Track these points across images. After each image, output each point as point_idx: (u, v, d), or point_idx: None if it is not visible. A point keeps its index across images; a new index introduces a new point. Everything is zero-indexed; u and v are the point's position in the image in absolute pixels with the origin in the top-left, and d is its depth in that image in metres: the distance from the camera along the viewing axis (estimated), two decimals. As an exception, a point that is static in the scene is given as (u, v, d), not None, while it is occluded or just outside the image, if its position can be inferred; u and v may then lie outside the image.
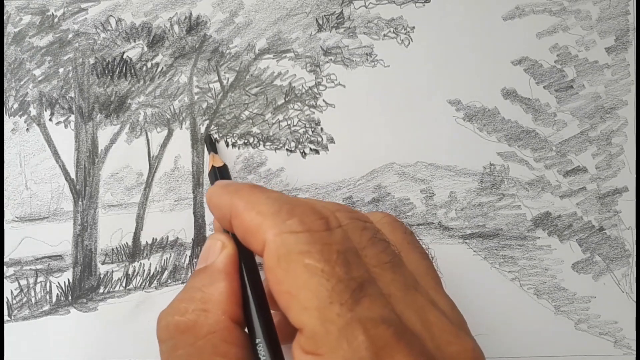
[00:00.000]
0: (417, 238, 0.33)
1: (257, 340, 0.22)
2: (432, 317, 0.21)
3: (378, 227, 0.25)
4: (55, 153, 0.35)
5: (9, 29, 0.35)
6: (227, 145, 0.35)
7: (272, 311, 0.24)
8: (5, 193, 0.35)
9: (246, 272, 0.24)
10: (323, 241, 0.21)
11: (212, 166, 0.33)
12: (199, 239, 0.35)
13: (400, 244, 0.24)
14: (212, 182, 0.33)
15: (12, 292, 0.34)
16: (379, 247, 0.22)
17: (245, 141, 0.35)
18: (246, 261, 0.25)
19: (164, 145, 0.35)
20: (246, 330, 0.23)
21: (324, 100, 0.36)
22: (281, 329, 0.24)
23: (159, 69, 0.35)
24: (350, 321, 0.19)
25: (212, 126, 0.35)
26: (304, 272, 0.20)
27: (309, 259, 0.20)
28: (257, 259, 0.25)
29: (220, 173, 0.33)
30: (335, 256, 0.20)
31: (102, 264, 0.35)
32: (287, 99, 0.36)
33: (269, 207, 0.22)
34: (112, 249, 0.35)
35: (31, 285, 0.35)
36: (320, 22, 0.36)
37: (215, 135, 0.35)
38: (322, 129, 0.35)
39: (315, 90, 0.36)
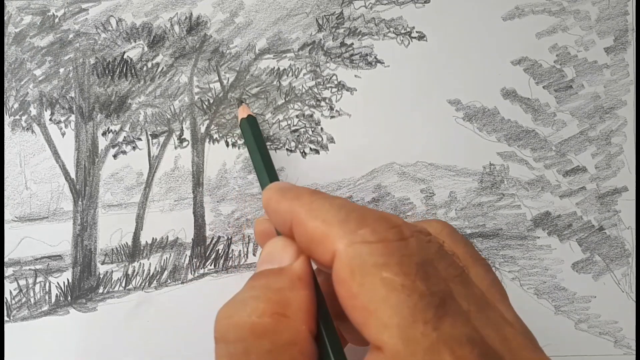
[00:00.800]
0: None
1: (332, 357, 0.21)
2: (507, 334, 0.20)
3: (440, 238, 0.23)
4: (55, 153, 0.35)
5: (10, 29, 0.35)
6: (227, 145, 0.35)
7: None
8: (5, 193, 0.35)
9: (315, 282, 0.23)
10: (400, 252, 0.19)
11: (248, 115, 0.32)
12: (199, 238, 0.35)
13: (463, 257, 0.23)
14: (243, 134, 0.33)
15: (11, 292, 0.34)
16: (447, 261, 0.21)
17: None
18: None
19: (164, 145, 0.35)
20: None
21: (325, 102, 0.36)
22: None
23: (160, 69, 0.35)
24: (436, 342, 0.18)
25: (212, 126, 0.35)
26: (381, 286, 0.18)
27: (387, 272, 0.19)
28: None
29: (251, 124, 0.32)
30: (415, 269, 0.19)
31: (102, 264, 0.35)
32: (287, 99, 0.36)
33: (335, 214, 0.21)
34: (112, 249, 0.35)
35: (30, 286, 0.34)
36: (321, 22, 0.36)
37: (216, 135, 0.35)
38: (322, 129, 0.36)
39: (315, 90, 0.36)
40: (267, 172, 0.30)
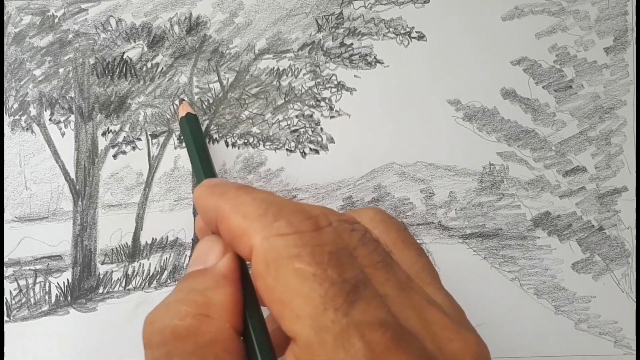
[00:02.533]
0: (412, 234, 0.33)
1: (257, 352, 0.21)
2: (430, 316, 0.20)
3: (372, 225, 0.24)
4: (55, 153, 0.35)
5: (10, 29, 0.35)
6: (227, 145, 0.35)
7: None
8: (5, 193, 0.35)
9: (245, 278, 0.23)
10: (314, 242, 0.19)
11: (187, 113, 0.33)
12: (199, 239, 0.35)
13: (394, 242, 0.24)
14: (182, 133, 0.33)
15: (11, 292, 0.34)
16: (369, 247, 0.21)
17: (245, 141, 0.35)
18: (243, 268, 0.23)
19: (164, 145, 0.35)
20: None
21: (325, 102, 0.36)
22: (275, 338, 0.23)
23: (159, 69, 0.35)
24: (346, 327, 0.18)
25: (212, 126, 0.35)
26: (294, 277, 0.19)
27: (300, 262, 0.19)
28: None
29: (190, 122, 0.32)
30: (327, 257, 0.19)
31: (102, 264, 0.35)
32: (286, 99, 0.36)
33: (255, 209, 0.21)
34: (112, 249, 0.35)
35: (30, 286, 0.34)
36: (320, 22, 0.36)
37: (216, 135, 0.35)
38: (322, 129, 0.36)
39: (315, 90, 0.36)
40: (202, 171, 0.31)
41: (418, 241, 0.35)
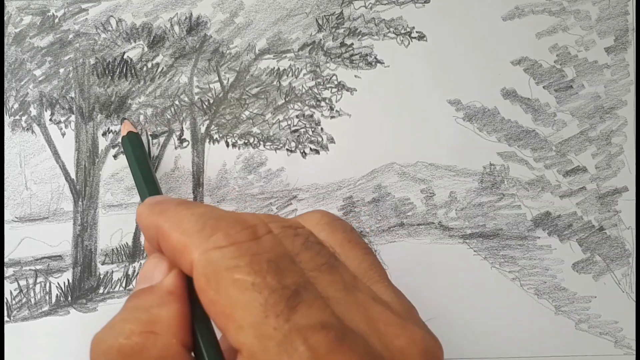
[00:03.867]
0: (359, 233, 0.32)
1: None
2: (375, 313, 0.20)
3: (318, 228, 0.24)
4: (56, 153, 0.35)
5: (10, 30, 0.35)
6: (227, 145, 0.35)
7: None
8: (5, 193, 0.35)
9: (193, 294, 0.23)
10: (251, 252, 0.19)
11: (128, 132, 0.33)
12: (199, 239, 0.35)
13: (341, 243, 0.24)
14: (124, 151, 0.34)
15: (11, 292, 0.34)
16: (313, 251, 0.21)
17: (245, 141, 0.35)
18: (191, 283, 0.23)
19: (164, 146, 0.35)
20: (192, 355, 0.22)
21: (325, 102, 0.36)
22: (227, 352, 0.23)
23: (160, 69, 0.35)
24: (289, 333, 0.18)
25: (213, 126, 0.35)
26: (234, 288, 0.18)
27: (238, 273, 0.19)
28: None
29: (132, 141, 0.33)
30: (266, 265, 0.19)
31: (102, 265, 0.35)
32: (287, 99, 0.36)
33: (194, 224, 0.20)
34: (112, 249, 0.35)
35: (30, 286, 0.34)
36: (320, 22, 0.36)
37: (216, 135, 0.35)
38: (322, 129, 0.36)
39: (315, 90, 0.36)
40: (145, 188, 0.31)
41: (417, 241, 0.35)
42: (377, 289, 0.22)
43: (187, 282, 0.22)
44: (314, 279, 0.20)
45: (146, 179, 0.31)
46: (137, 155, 0.33)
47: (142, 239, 0.28)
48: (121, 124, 0.35)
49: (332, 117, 0.36)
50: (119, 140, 0.35)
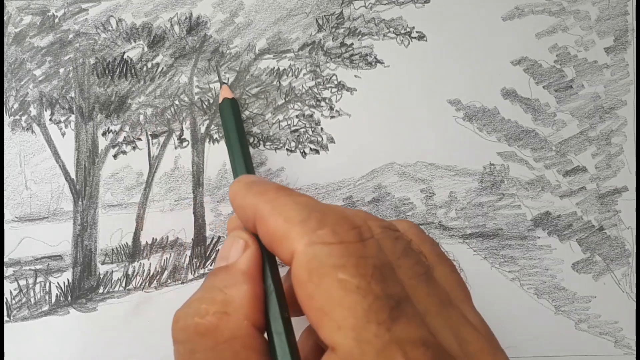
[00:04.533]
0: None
1: (277, 350, 0.21)
2: (467, 335, 0.20)
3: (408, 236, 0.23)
4: (55, 153, 0.35)
5: (10, 30, 0.35)
6: (227, 145, 0.35)
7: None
8: (5, 193, 0.35)
9: (270, 275, 0.23)
10: (358, 254, 0.19)
11: (224, 98, 0.32)
12: (199, 239, 0.35)
13: (429, 256, 0.23)
14: (222, 118, 0.32)
15: (11, 292, 0.34)
16: (413, 259, 0.21)
17: (246, 141, 0.35)
18: (269, 264, 0.23)
19: (164, 145, 0.35)
20: (265, 336, 0.22)
21: (325, 102, 0.36)
22: (302, 341, 0.23)
23: (159, 69, 0.35)
24: (389, 342, 0.18)
25: (213, 126, 0.35)
26: (338, 288, 0.18)
27: (344, 273, 0.19)
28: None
29: (233, 106, 0.31)
30: (372, 271, 0.19)
31: (102, 264, 0.35)
32: (287, 99, 0.36)
33: (298, 213, 0.21)
34: (112, 249, 0.35)
35: (30, 286, 0.34)
36: (320, 22, 0.36)
37: (216, 135, 0.35)
38: (322, 129, 0.36)
39: (315, 90, 0.36)
40: (242, 162, 0.30)
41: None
42: (463, 309, 0.22)
43: (262, 263, 0.23)
44: (412, 288, 0.20)
45: (244, 152, 0.30)
46: (233, 125, 0.31)
47: (229, 221, 0.27)
48: (220, 87, 0.34)
49: (332, 117, 0.36)
50: (215, 102, 0.32)
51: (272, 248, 0.22)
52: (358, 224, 0.21)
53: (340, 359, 0.18)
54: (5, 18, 0.35)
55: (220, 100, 0.33)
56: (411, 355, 0.18)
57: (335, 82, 0.36)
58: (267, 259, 0.23)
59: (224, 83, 0.34)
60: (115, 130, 0.35)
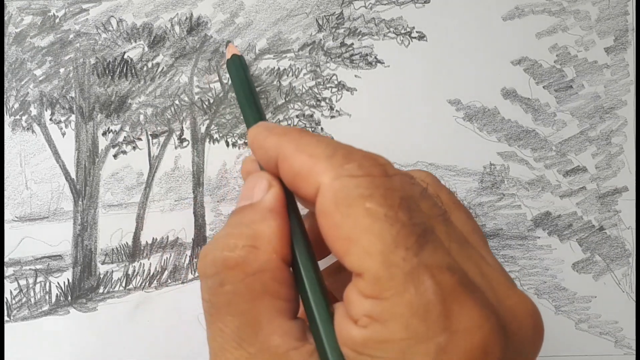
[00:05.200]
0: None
1: (306, 282, 0.22)
2: (488, 271, 0.21)
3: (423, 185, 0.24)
4: (56, 153, 0.35)
5: (10, 30, 0.35)
6: (227, 145, 0.35)
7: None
8: (5, 193, 0.35)
9: (293, 213, 0.24)
10: (385, 186, 0.20)
11: (232, 55, 0.32)
12: (199, 238, 0.35)
13: (446, 202, 0.24)
14: (229, 74, 0.33)
15: (11, 292, 0.34)
16: (430, 201, 0.21)
17: (246, 141, 0.35)
18: (290, 203, 0.24)
19: (164, 145, 0.35)
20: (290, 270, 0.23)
21: (325, 102, 0.36)
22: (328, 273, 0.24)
23: (160, 69, 0.35)
24: (417, 266, 0.18)
25: (213, 126, 0.35)
26: (365, 216, 0.19)
27: (371, 202, 0.19)
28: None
29: (236, 64, 0.32)
30: (398, 201, 0.20)
31: (102, 264, 0.35)
32: (287, 99, 0.36)
33: (323, 150, 0.21)
34: (112, 249, 0.35)
35: (30, 286, 0.34)
36: (321, 22, 0.36)
37: (216, 135, 0.35)
38: (322, 128, 0.36)
39: (315, 90, 0.36)
40: (253, 111, 0.30)
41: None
42: (481, 252, 0.22)
43: (287, 200, 0.23)
44: (434, 225, 0.21)
45: (256, 102, 0.30)
46: (242, 78, 0.32)
47: (243, 163, 0.27)
48: (226, 47, 0.34)
49: (332, 117, 0.36)
50: (223, 64, 0.34)
51: (295, 185, 0.22)
52: (382, 161, 0.21)
53: (368, 283, 0.19)
54: (5, 18, 0.35)
55: (228, 57, 0.33)
56: (439, 278, 0.18)
57: (336, 82, 0.36)
58: (289, 199, 0.24)
59: (229, 42, 0.35)
60: (115, 130, 0.35)
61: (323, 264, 0.25)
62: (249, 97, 0.31)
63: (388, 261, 0.18)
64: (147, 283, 0.35)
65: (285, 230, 0.23)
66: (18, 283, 0.34)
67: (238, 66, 0.32)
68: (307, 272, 0.22)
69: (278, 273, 0.22)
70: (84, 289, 0.35)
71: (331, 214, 0.20)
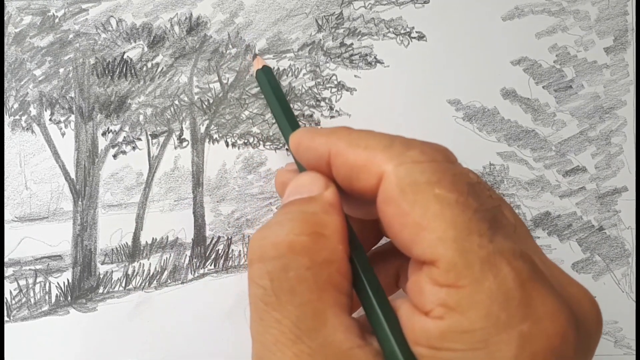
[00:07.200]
0: None
1: (364, 279, 0.21)
2: (546, 260, 0.21)
3: None
4: (55, 153, 0.35)
5: (10, 30, 0.35)
6: (227, 145, 0.35)
7: None
8: (5, 193, 0.35)
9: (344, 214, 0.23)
10: (451, 172, 0.20)
11: (263, 66, 0.32)
12: (199, 239, 0.35)
13: (494, 196, 0.23)
14: (260, 86, 0.33)
15: (11, 292, 0.34)
16: (488, 191, 0.21)
17: (245, 141, 0.35)
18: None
19: (164, 145, 0.35)
20: None
21: (325, 102, 0.36)
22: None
23: (159, 69, 0.35)
24: (492, 253, 0.18)
25: (212, 126, 0.35)
26: (435, 202, 0.19)
27: (440, 189, 0.19)
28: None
29: (267, 74, 0.32)
30: (467, 188, 0.19)
31: (102, 264, 0.35)
32: (287, 99, 0.36)
33: (379, 141, 0.21)
34: (112, 249, 0.35)
35: (30, 286, 0.34)
36: (320, 22, 0.36)
37: (216, 135, 0.35)
38: (321, 128, 0.36)
39: (315, 90, 0.36)
40: (290, 119, 0.30)
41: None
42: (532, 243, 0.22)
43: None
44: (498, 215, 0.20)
45: (288, 111, 0.30)
46: (274, 89, 0.32)
47: (277, 176, 0.28)
48: (253, 60, 0.34)
49: (332, 117, 0.36)
50: (253, 73, 0.34)
51: (350, 180, 0.22)
52: (443, 148, 0.21)
53: (443, 270, 0.18)
54: (5, 18, 0.35)
55: (257, 68, 0.33)
56: (515, 265, 0.18)
57: (335, 82, 0.36)
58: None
59: (257, 55, 0.35)
60: (115, 130, 0.35)
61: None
62: (283, 107, 0.30)
63: (463, 248, 0.18)
64: (147, 283, 0.35)
65: (346, 226, 0.22)
66: (18, 283, 0.34)
67: (269, 77, 0.32)
68: (366, 268, 0.22)
69: (343, 266, 0.21)
70: (84, 289, 0.35)
71: (397, 201, 0.19)
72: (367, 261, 0.22)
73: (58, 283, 0.34)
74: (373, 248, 0.29)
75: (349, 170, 0.21)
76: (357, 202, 0.23)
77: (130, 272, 0.35)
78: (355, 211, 0.25)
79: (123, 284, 0.35)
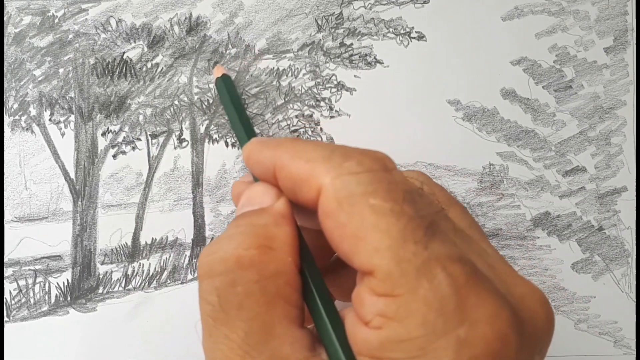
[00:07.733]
0: None
1: (314, 290, 0.21)
2: (492, 262, 0.21)
3: (417, 183, 0.24)
4: (55, 153, 0.35)
5: (10, 30, 0.35)
6: (227, 145, 0.35)
7: None
8: (5, 193, 0.35)
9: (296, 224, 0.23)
10: (387, 180, 0.20)
11: (223, 74, 0.33)
12: (199, 239, 0.35)
13: (442, 200, 0.24)
14: (219, 94, 0.33)
15: (10, 292, 0.34)
16: (427, 199, 0.21)
17: (245, 141, 0.35)
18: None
19: (163, 145, 0.35)
20: None
21: (324, 102, 0.36)
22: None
23: (159, 69, 0.35)
24: (427, 260, 0.18)
25: (212, 126, 0.35)
26: (370, 212, 0.19)
27: (375, 198, 0.19)
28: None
29: (226, 83, 0.32)
30: (402, 195, 0.19)
31: (102, 264, 0.35)
32: (286, 99, 0.36)
33: (320, 153, 0.21)
34: (112, 249, 0.35)
35: (30, 286, 0.34)
36: (320, 22, 0.36)
37: (215, 135, 0.35)
38: (321, 129, 0.36)
39: (315, 90, 0.36)
40: (244, 129, 0.30)
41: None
42: (482, 245, 0.22)
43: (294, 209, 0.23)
44: (437, 221, 0.20)
45: (244, 121, 0.31)
46: (233, 97, 0.32)
47: (233, 187, 0.28)
48: (213, 68, 0.35)
49: (332, 117, 0.36)
50: (213, 81, 0.34)
51: (294, 192, 0.22)
52: (381, 156, 0.21)
53: (379, 280, 0.18)
54: (5, 18, 0.35)
55: (217, 76, 0.33)
56: (451, 270, 0.18)
57: (335, 82, 0.36)
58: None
59: (217, 62, 0.35)
60: (114, 131, 0.35)
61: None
62: (240, 116, 0.31)
63: (398, 257, 0.18)
64: (147, 283, 0.35)
65: (297, 237, 0.22)
66: (17, 283, 0.34)
67: (229, 86, 0.33)
68: (316, 280, 0.22)
69: (292, 277, 0.21)
70: (84, 289, 0.35)
71: (335, 214, 0.19)
72: (318, 272, 0.22)
73: (58, 283, 0.34)
74: (333, 257, 0.29)
75: (292, 183, 0.21)
76: (309, 213, 0.23)
77: (129, 272, 0.35)
78: (309, 222, 0.25)
79: (123, 284, 0.35)
